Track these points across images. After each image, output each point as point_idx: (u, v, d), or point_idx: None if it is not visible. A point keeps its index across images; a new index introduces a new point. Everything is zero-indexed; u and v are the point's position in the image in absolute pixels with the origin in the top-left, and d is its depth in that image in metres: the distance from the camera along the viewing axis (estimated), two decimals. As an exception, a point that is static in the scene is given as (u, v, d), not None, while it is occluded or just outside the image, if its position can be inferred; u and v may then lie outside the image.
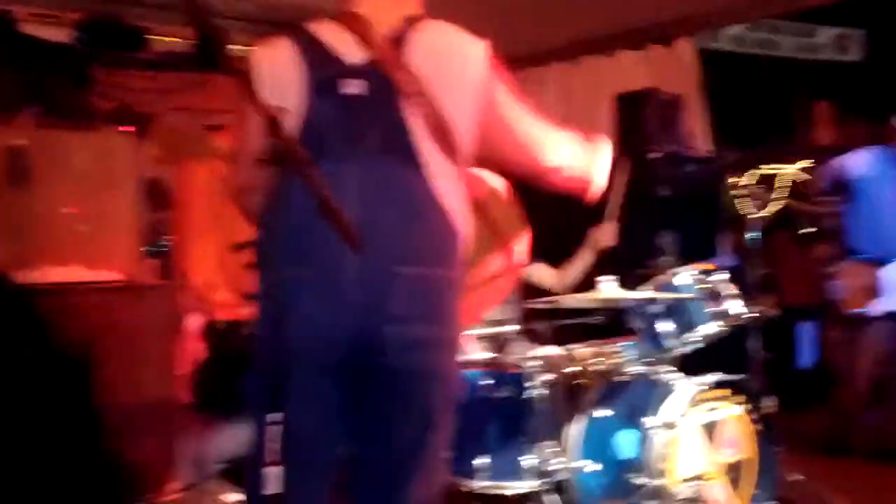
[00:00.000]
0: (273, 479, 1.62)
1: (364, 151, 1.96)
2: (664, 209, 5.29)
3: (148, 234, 4.55)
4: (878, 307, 4.36)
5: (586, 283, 3.56)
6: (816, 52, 11.57)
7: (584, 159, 2.37)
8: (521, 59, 6.92)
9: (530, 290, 4.21)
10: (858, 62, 11.72)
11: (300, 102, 1.97)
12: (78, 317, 3.39)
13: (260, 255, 2.06)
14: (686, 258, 3.90)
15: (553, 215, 5.34)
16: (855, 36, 11.53)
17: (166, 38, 5.24)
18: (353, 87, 1.98)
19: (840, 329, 4.50)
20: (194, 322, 4.40)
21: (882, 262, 4.39)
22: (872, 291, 4.36)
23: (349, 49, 2.02)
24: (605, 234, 4.02)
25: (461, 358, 2.24)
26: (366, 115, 1.97)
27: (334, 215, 1.62)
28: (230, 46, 2.07)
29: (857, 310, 4.40)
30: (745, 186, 4.56)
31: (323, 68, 1.99)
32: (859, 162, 4.55)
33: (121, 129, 4.44)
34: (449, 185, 2.01)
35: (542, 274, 4.21)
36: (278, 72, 2.00)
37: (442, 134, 1.98)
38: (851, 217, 4.56)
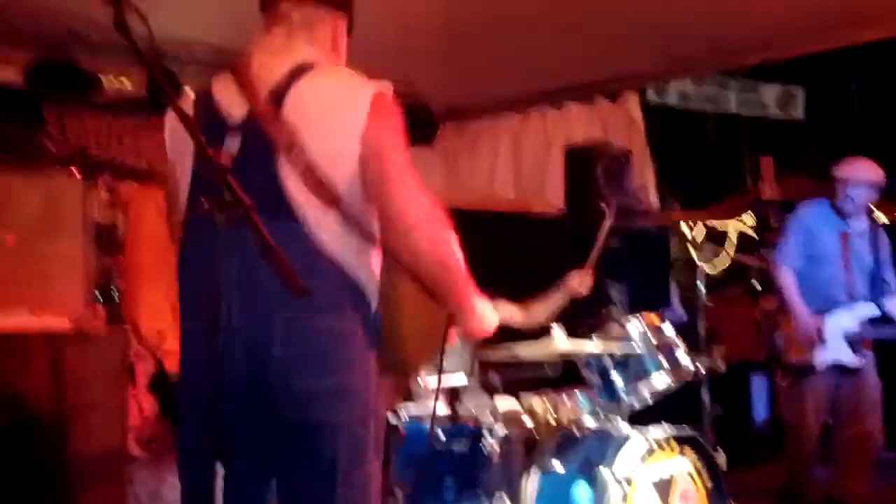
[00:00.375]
0: None
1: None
2: (613, 260, 5.38)
3: (97, 279, 4.46)
4: (821, 358, 4.43)
5: (540, 331, 3.57)
6: (761, 108, 11.94)
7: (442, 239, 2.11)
8: (474, 108, 7.05)
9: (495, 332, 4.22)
10: (800, 120, 12.12)
11: (192, 161, 2.03)
12: (24, 364, 3.30)
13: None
14: (635, 308, 3.95)
15: (522, 254, 5.44)
16: (798, 93, 11.94)
17: (119, 80, 5.20)
18: (231, 145, 2.01)
19: (787, 379, 4.56)
20: (144, 371, 4.31)
21: (823, 313, 4.48)
22: (815, 341, 4.42)
23: (233, 105, 2.05)
24: (583, 282, 3.98)
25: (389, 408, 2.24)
26: (241, 174, 1.94)
27: (276, 261, 1.63)
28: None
29: (799, 359, 4.46)
30: (692, 239, 4.65)
31: (208, 127, 2.00)
32: (801, 215, 4.67)
33: (71, 172, 4.37)
34: (335, 233, 1.98)
35: (507, 312, 4.18)
36: (177, 129, 2.02)
37: (317, 185, 1.96)
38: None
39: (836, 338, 4.42)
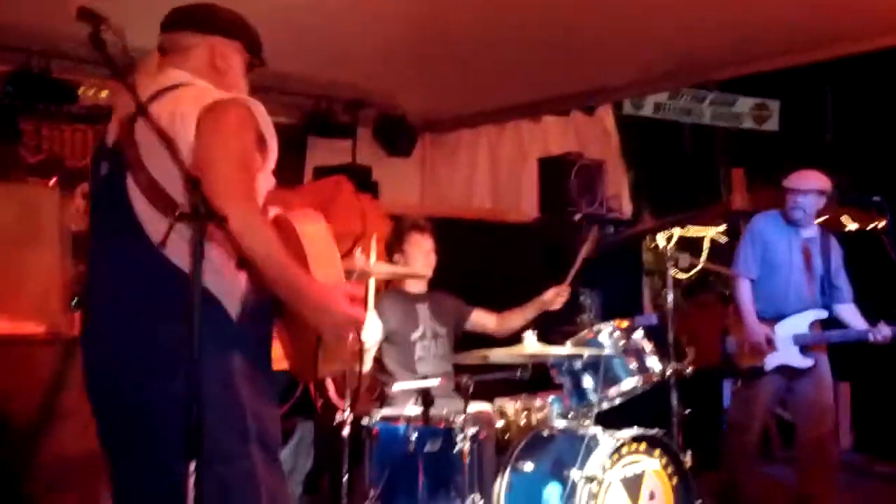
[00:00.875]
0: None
1: (103, 228, 2.15)
2: (586, 268, 5.45)
3: (74, 287, 4.48)
4: (770, 361, 4.58)
5: (513, 337, 3.64)
6: (736, 120, 12.11)
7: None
8: (453, 120, 7.14)
9: (469, 338, 4.29)
10: (773, 132, 12.28)
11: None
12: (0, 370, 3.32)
13: None
14: (608, 316, 4.03)
15: (498, 261, 5.51)
16: (773, 106, 12.11)
17: (95, 92, 5.24)
18: (103, 168, 2.15)
19: (739, 383, 4.72)
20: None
21: (776, 319, 4.62)
22: (764, 349, 4.55)
23: (111, 129, 2.17)
24: (559, 297, 4.06)
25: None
26: (105, 196, 2.13)
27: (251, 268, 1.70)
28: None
29: (750, 364, 4.61)
30: (664, 248, 4.73)
31: (96, 151, 2.22)
32: (759, 224, 4.81)
33: (47, 182, 4.40)
34: (179, 245, 1.96)
35: (483, 319, 4.26)
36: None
37: (160, 200, 2.00)
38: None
39: (786, 341, 4.56)
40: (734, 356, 4.64)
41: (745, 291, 4.63)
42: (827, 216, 9.71)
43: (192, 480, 1.69)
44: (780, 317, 4.61)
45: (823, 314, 4.62)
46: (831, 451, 4.68)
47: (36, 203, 4.18)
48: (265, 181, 2.14)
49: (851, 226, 9.08)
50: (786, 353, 4.56)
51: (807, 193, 4.61)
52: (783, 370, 4.58)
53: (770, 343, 4.54)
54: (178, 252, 1.95)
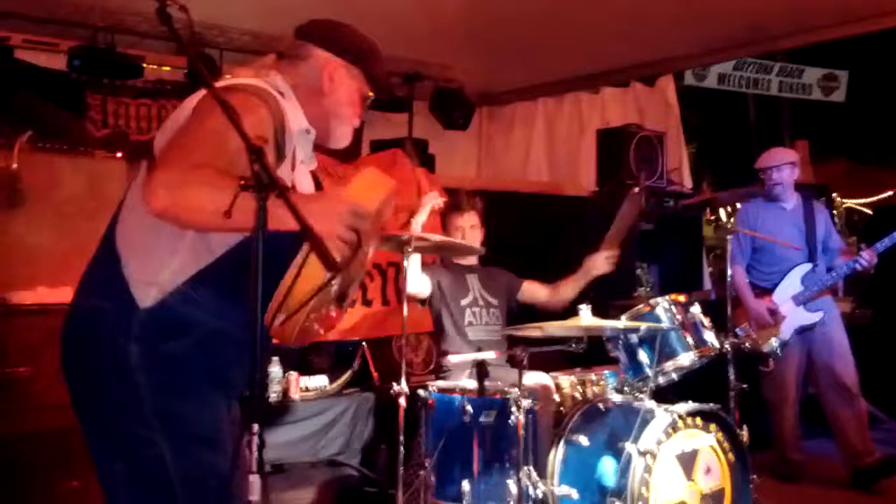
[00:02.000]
0: (256, 486, 1.68)
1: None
2: (645, 242, 5.41)
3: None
4: (786, 329, 4.70)
5: (569, 311, 3.63)
6: (803, 91, 11.80)
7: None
8: (510, 93, 7.10)
9: (523, 309, 4.31)
10: (840, 103, 11.94)
11: None
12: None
13: None
14: (667, 290, 3.99)
15: (554, 234, 5.49)
16: (841, 77, 11.76)
17: (159, 67, 5.35)
18: None
19: (767, 365, 4.74)
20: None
21: (772, 290, 4.77)
22: (773, 319, 4.71)
23: None
24: (600, 263, 4.01)
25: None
26: None
27: (312, 237, 1.67)
28: (221, 75, 2.15)
29: (768, 343, 4.66)
30: (725, 222, 4.68)
31: None
32: (749, 210, 4.96)
33: (114, 155, 4.50)
34: (129, 227, 1.99)
35: (535, 291, 4.27)
36: None
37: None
38: (753, 256, 4.91)
39: (788, 305, 4.71)
40: (752, 342, 4.69)
41: (739, 277, 4.78)
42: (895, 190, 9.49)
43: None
44: (774, 287, 4.78)
45: (808, 267, 4.76)
46: (858, 401, 4.75)
47: (104, 176, 4.28)
48: (282, 175, 1.99)
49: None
50: (794, 317, 4.71)
51: (781, 168, 4.83)
52: (798, 334, 4.72)
53: (774, 313, 4.70)
54: (124, 234, 1.98)
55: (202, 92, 1.94)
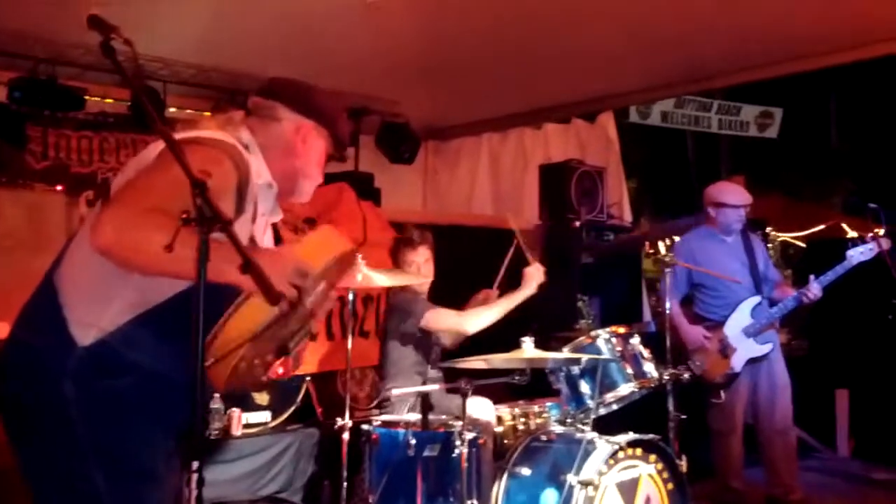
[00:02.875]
0: None
1: None
2: (586, 275, 5.50)
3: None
4: (737, 361, 4.80)
5: (510, 342, 3.66)
6: (741, 128, 12.18)
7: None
8: (455, 128, 7.20)
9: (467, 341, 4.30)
10: (773, 140, 12.35)
11: None
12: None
13: None
14: (608, 322, 4.06)
15: (493, 268, 5.54)
16: (776, 114, 12.16)
17: (102, 99, 5.30)
18: None
19: (717, 396, 4.85)
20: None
21: (719, 322, 4.86)
22: (724, 352, 4.80)
23: None
24: (535, 279, 4.02)
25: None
26: None
27: (255, 271, 1.69)
28: (165, 108, 2.16)
29: (721, 374, 4.81)
30: (664, 255, 4.78)
31: None
32: (691, 242, 5.04)
33: (54, 188, 4.45)
34: (73, 264, 2.00)
35: (445, 318, 4.07)
36: None
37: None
38: (696, 289, 5.01)
39: (739, 338, 4.81)
40: (706, 373, 4.82)
41: (673, 307, 4.74)
42: (828, 224, 9.80)
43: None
44: (724, 321, 4.86)
45: (757, 299, 4.86)
46: (790, 435, 4.90)
47: (44, 209, 4.23)
48: (240, 228, 1.98)
49: (852, 233, 9.11)
50: (745, 348, 4.81)
51: (746, 207, 4.96)
52: (750, 365, 4.82)
53: (725, 346, 4.79)
54: (67, 272, 1.99)
55: (176, 135, 1.95)
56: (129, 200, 1.85)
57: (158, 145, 1.98)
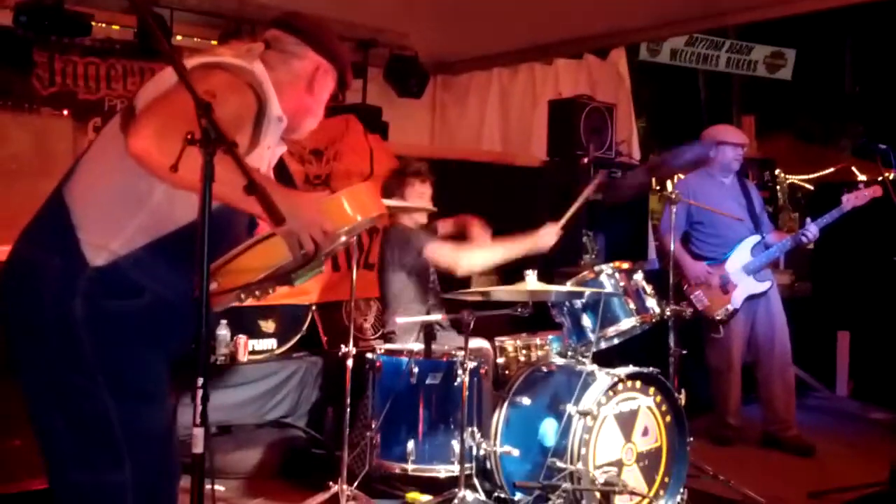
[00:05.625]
0: (199, 439, 1.71)
1: None
2: (592, 212, 5.50)
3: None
4: (736, 298, 4.89)
5: (515, 276, 3.68)
6: (751, 68, 12.03)
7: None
8: (464, 62, 7.12)
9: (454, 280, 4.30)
10: (786, 81, 12.20)
11: None
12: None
13: None
14: (613, 259, 4.07)
15: (506, 203, 5.55)
16: (788, 55, 11.98)
17: (108, 25, 5.25)
18: None
19: (716, 331, 4.95)
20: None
21: (722, 261, 4.94)
22: (724, 288, 4.89)
23: None
24: (549, 237, 3.90)
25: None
26: None
27: (259, 192, 1.69)
28: (171, 36, 2.15)
29: (721, 310, 4.89)
30: (670, 193, 4.79)
31: None
32: (691, 182, 5.09)
33: (61, 113, 4.43)
34: (95, 181, 1.99)
35: (442, 251, 3.98)
36: None
37: (127, 108, 2.00)
38: (693, 228, 5.07)
39: (739, 274, 4.89)
40: (706, 309, 4.91)
41: (675, 243, 4.73)
42: (837, 167, 9.76)
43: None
44: (724, 258, 4.94)
45: (757, 238, 4.95)
46: (789, 372, 5.00)
47: (50, 134, 4.22)
48: (256, 160, 2.04)
49: (861, 177, 9.07)
50: (744, 285, 4.90)
51: (744, 147, 5.04)
52: (747, 302, 4.91)
53: (726, 282, 4.88)
54: (79, 191, 1.98)
55: (198, 58, 1.99)
56: (165, 111, 1.84)
57: (191, 61, 1.98)
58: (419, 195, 4.12)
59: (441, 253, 3.96)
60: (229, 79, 1.96)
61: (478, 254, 3.94)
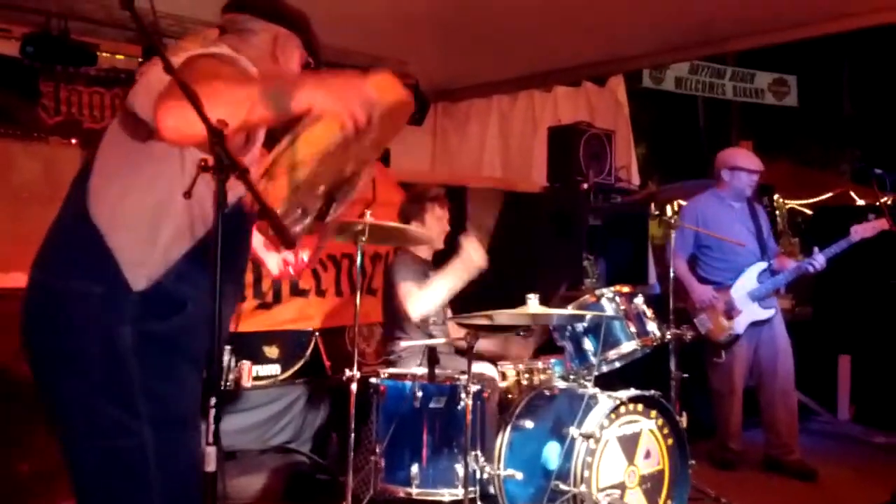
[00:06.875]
0: (211, 457, 1.72)
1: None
2: (592, 237, 5.56)
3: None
4: (740, 323, 4.91)
5: (517, 300, 3.71)
6: (758, 96, 12.13)
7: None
8: (465, 90, 7.20)
9: (471, 298, 4.31)
10: (792, 107, 12.29)
11: None
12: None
13: None
14: (614, 283, 4.10)
15: (506, 228, 5.55)
16: (790, 81, 12.10)
17: (113, 55, 5.33)
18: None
19: (718, 356, 4.98)
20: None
21: (728, 286, 4.95)
22: (729, 313, 4.91)
23: None
24: (476, 257, 3.84)
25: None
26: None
27: (270, 216, 1.72)
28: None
29: (725, 335, 4.92)
30: (670, 218, 4.83)
31: None
32: (700, 205, 5.09)
33: (69, 141, 4.49)
34: (115, 192, 1.94)
35: (404, 293, 3.99)
36: None
37: (126, 118, 1.98)
38: (701, 251, 5.08)
39: (744, 300, 4.91)
40: (709, 333, 4.94)
41: (680, 266, 4.92)
42: (836, 192, 9.80)
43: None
44: (731, 283, 4.96)
45: (764, 265, 4.96)
46: (792, 396, 5.01)
47: (59, 162, 4.27)
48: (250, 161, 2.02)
49: (860, 202, 9.11)
50: (749, 311, 4.91)
51: (759, 173, 5.05)
52: (751, 328, 4.92)
53: (731, 307, 4.90)
54: (103, 206, 1.93)
55: (183, 54, 1.94)
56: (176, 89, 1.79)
57: (178, 59, 1.93)
58: (438, 219, 4.24)
59: (403, 294, 3.99)
60: (232, 70, 1.94)
61: (423, 295, 3.95)
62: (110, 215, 1.93)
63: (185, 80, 1.69)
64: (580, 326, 3.77)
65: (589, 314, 3.66)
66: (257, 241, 2.44)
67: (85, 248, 1.92)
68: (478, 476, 3.49)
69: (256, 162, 2.08)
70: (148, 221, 1.93)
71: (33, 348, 1.96)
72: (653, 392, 3.57)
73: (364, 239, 3.74)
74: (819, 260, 4.78)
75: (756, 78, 12.19)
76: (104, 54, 5.19)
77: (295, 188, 1.88)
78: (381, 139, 2.12)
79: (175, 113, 1.72)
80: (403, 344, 3.98)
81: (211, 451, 1.73)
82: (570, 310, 3.74)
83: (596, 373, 3.72)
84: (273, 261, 2.55)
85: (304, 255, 2.51)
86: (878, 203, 4.87)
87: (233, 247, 1.86)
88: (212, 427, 1.72)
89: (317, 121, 1.85)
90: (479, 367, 3.96)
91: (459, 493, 3.47)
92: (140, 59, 5.13)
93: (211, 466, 1.74)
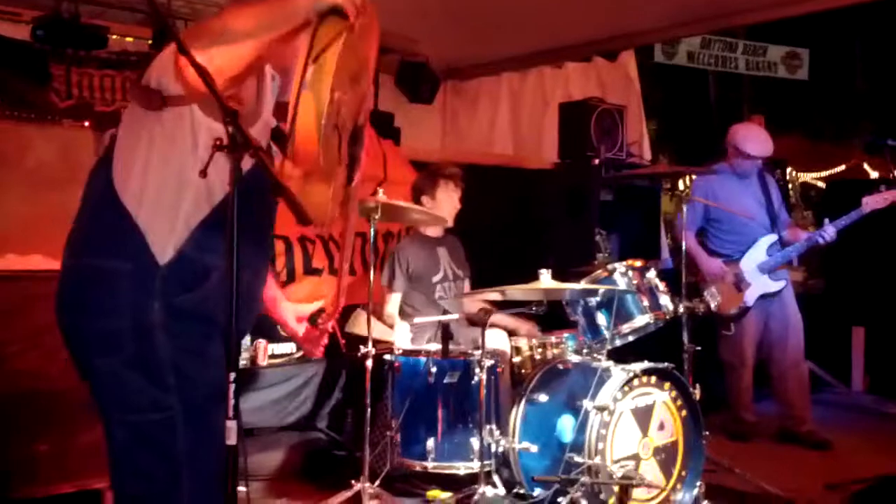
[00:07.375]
0: (232, 431, 1.74)
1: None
2: (604, 212, 5.56)
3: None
4: (750, 296, 4.94)
5: (530, 275, 3.73)
6: (770, 69, 12.05)
7: None
8: (475, 67, 7.18)
9: (485, 273, 4.37)
10: (804, 80, 12.19)
11: None
12: (41, 304, 3.48)
13: None
14: (626, 258, 4.11)
15: (517, 205, 5.55)
16: (802, 54, 12.00)
17: (123, 38, 5.34)
18: None
19: (728, 328, 5.02)
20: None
21: (737, 258, 4.98)
22: (738, 286, 4.94)
23: None
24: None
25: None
26: None
27: (286, 194, 1.72)
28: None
29: (734, 307, 4.95)
30: (682, 193, 4.83)
31: None
32: (711, 177, 5.09)
33: (81, 123, 4.51)
34: (138, 169, 1.95)
35: (388, 303, 4.30)
36: None
37: (139, 93, 1.99)
38: (710, 224, 5.11)
39: (753, 273, 4.94)
40: (719, 306, 4.87)
41: (689, 239, 4.88)
42: (849, 165, 9.76)
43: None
44: (740, 255, 4.98)
45: (773, 237, 4.98)
46: (803, 368, 5.04)
47: (73, 144, 4.29)
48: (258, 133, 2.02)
49: (873, 174, 9.07)
50: (759, 284, 4.94)
51: (761, 159, 5.04)
52: (761, 300, 4.95)
53: (740, 280, 4.93)
54: (127, 185, 1.94)
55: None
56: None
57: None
58: (449, 197, 4.28)
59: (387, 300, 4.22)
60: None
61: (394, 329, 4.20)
62: (137, 193, 1.94)
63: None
64: (593, 301, 3.79)
65: (602, 288, 3.68)
66: (289, 315, 2.51)
67: (112, 228, 1.95)
68: (493, 449, 3.53)
69: (265, 130, 2.07)
70: (171, 192, 1.95)
71: (68, 330, 1.99)
72: (666, 364, 3.58)
73: (377, 217, 3.77)
74: (829, 231, 4.78)
75: (768, 51, 12.09)
76: (114, 37, 5.19)
77: (323, 119, 1.86)
78: (365, 58, 2.21)
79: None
80: (417, 321, 4.01)
81: (231, 426, 1.76)
82: (582, 284, 3.75)
83: (609, 347, 3.74)
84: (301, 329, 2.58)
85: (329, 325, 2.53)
86: (891, 175, 4.85)
87: (257, 206, 1.91)
88: (231, 401, 1.75)
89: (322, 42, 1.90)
90: (492, 338, 3.98)
91: (475, 466, 3.51)
92: (150, 41, 5.16)
93: (231, 440, 1.76)
